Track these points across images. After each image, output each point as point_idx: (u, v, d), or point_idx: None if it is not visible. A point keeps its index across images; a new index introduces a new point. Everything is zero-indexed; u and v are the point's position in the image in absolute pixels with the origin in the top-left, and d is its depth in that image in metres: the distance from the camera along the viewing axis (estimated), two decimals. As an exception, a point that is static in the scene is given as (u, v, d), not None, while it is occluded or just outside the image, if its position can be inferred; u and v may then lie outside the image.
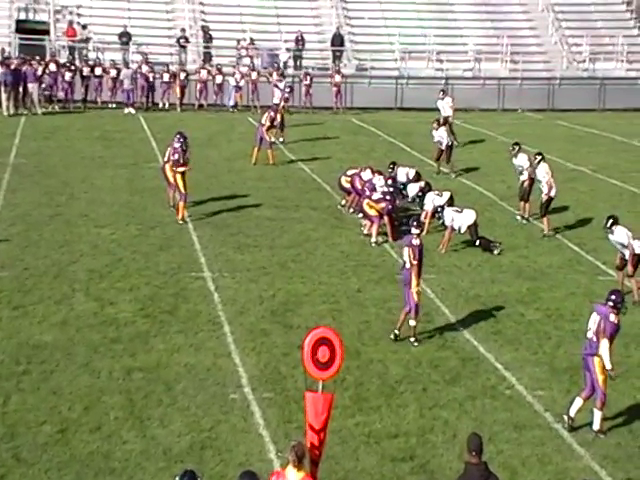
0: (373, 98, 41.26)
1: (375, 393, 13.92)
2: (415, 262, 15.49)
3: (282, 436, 12.43)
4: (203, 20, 44.17)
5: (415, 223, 16.03)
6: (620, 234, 18.11)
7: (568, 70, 44.78)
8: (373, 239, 21.17)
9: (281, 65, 40.80)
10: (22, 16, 43.00)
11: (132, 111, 37.98)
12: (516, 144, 24.17)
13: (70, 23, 41.87)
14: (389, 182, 22.38)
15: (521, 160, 23.74)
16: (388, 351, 15.40)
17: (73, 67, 38.75)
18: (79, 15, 42.96)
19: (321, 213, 23.57)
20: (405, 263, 15.70)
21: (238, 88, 39.42)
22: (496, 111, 41.25)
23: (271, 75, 38.32)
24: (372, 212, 21.28)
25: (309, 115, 38.59)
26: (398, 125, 37.16)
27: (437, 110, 32.99)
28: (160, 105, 39.38)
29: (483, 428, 12.62)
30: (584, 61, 45.19)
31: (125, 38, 41.75)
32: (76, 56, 40.79)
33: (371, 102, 41.04)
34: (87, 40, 41.75)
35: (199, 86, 39.49)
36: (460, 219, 20.98)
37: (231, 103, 39.61)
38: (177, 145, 22.64)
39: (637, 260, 18.01)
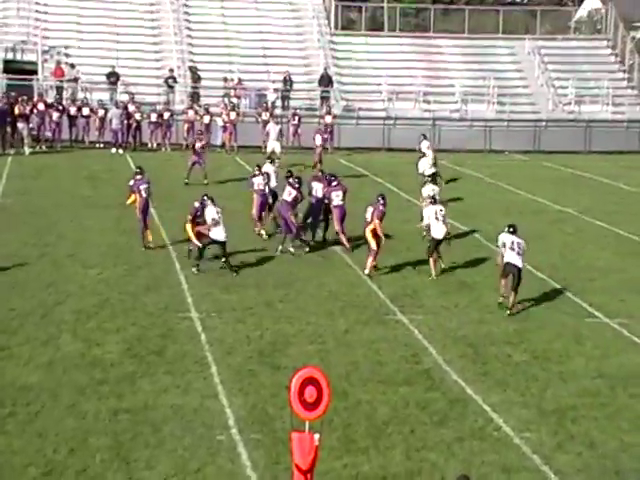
0: (361, 138, 41.44)
1: (363, 434, 13.86)
2: None
3: (270, 478, 12.36)
4: (191, 60, 44.38)
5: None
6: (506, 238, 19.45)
7: (554, 112, 45.09)
8: (367, 271, 21.52)
9: (269, 105, 40.91)
10: (10, 56, 43.07)
11: (120, 151, 38.02)
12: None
13: (58, 63, 41.96)
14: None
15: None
16: (376, 392, 15.36)
17: (61, 107, 38.82)
18: (67, 55, 43.10)
19: (309, 252, 23.56)
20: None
21: (225, 128, 39.55)
22: (483, 152, 41.43)
23: (260, 115, 38.26)
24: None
25: (297, 155, 38.66)
26: (385, 165, 37.29)
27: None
28: (148, 145, 39.46)
29: (471, 470, 12.57)
30: (570, 103, 45.54)
31: (113, 78, 41.86)
32: (64, 96, 40.87)
33: (359, 142, 41.22)
34: (75, 80, 41.83)
35: (186, 126, 39.59)
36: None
37: (218, 142, 39.71)
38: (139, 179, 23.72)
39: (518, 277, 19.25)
